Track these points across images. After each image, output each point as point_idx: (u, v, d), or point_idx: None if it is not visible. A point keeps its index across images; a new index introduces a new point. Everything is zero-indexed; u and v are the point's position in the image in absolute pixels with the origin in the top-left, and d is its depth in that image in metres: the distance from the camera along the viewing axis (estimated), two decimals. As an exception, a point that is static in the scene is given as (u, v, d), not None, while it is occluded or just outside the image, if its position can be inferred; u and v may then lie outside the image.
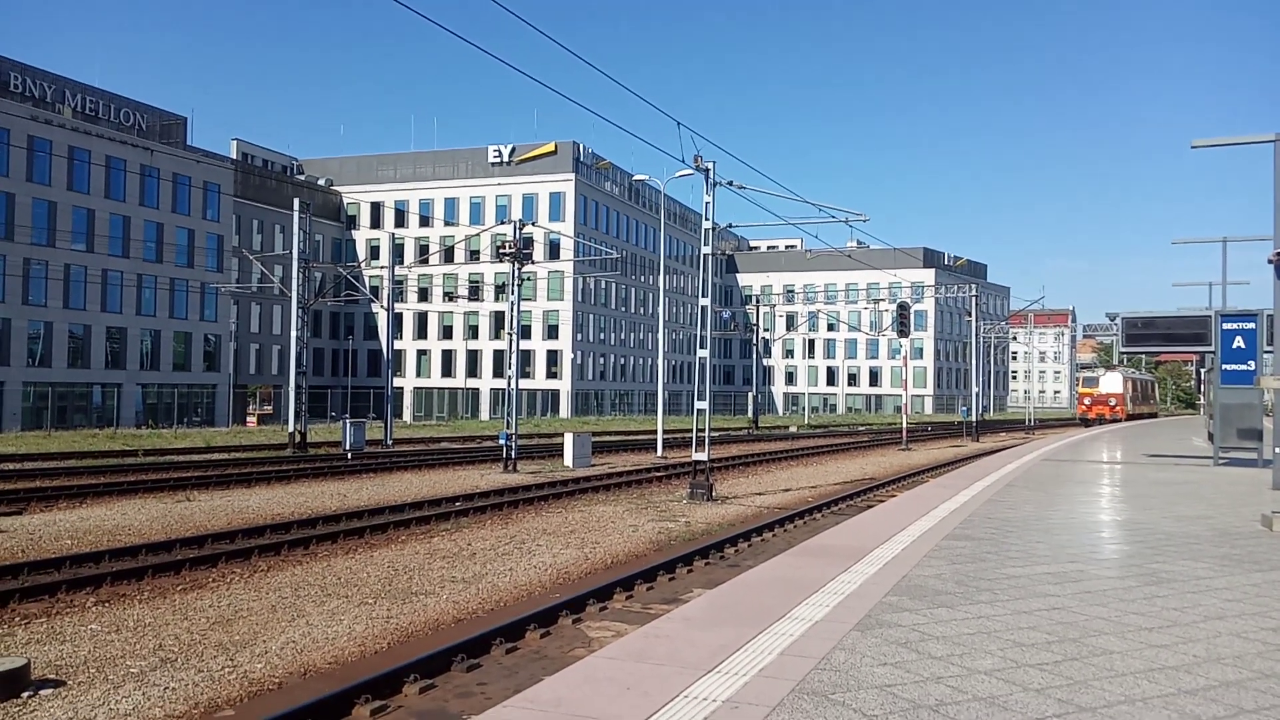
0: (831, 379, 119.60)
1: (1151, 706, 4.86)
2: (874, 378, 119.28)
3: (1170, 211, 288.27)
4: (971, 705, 4.85)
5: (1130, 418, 67.13)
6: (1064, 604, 7.24)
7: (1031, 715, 4.70)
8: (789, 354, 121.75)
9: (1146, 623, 6.67)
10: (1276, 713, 4.80)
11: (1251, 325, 20.25)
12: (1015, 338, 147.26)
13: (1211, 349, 21.79)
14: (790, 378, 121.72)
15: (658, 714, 4.71)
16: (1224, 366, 20.73)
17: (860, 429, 66.30)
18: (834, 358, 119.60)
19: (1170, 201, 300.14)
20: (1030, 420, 69.83)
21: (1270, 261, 16.69)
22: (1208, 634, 6.36)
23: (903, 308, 44.39)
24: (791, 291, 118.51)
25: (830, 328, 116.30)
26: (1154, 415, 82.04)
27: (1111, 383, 67.58)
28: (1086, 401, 68.17)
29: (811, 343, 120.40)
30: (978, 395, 57.20)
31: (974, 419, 54.41)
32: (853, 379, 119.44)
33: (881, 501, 19.20)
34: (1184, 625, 6.61)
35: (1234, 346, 20.46)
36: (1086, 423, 65.93)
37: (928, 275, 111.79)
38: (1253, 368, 20.26)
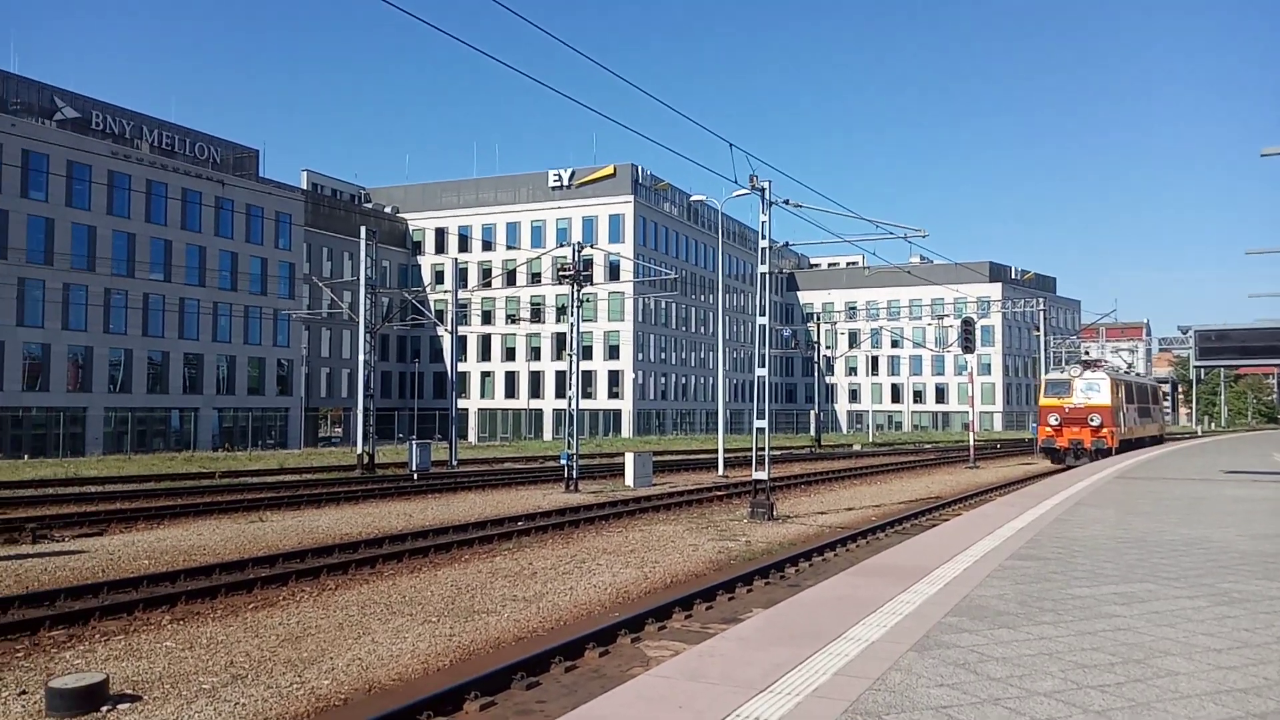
0: (896, 396, 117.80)
1: (1217, 729, 4.74)
2: (940, 394, 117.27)
3: (1244, 220, 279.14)
4: (1028, 726, 4.78)
5: (1124, 446, 40.22)
6: (1130, 624, 7.08)
7: (1090, 737, 4.62)
8: (852, 371, 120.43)
9: (1216, 644, 6.49)
10: (1350, 737, 4.65)
11: (1333, 336, 19.57)
12: (1088, 352, 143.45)
13: (1291, 361, 21.06)
14: (854, 395, 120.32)
15: (709, 732, 4.74)
16: (1305, 379, 19.99)
17: (926, 447, 65.28)
18: (898, 375, 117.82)
19: (1244, 210, 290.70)
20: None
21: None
22: (1281, 656, 6.17)
23: (967, 323, 43.69)
24: (853, 308, 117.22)
25: (894, 344, 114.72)
26: (1159, 440, 53.81)
27: (1093, 389, 39.33)
28: (1053, 421, 39.39)
29: (875, 360, 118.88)
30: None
31: (1044, 436, 53.01)
32: (918, 396, 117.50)
33: (946, 520, 18.88)
34: (1255, 646, 6.41)
35: (1315, 358, 19.76)
36: (1055, 455, 39.14)
37: (994, 290, 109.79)
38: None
